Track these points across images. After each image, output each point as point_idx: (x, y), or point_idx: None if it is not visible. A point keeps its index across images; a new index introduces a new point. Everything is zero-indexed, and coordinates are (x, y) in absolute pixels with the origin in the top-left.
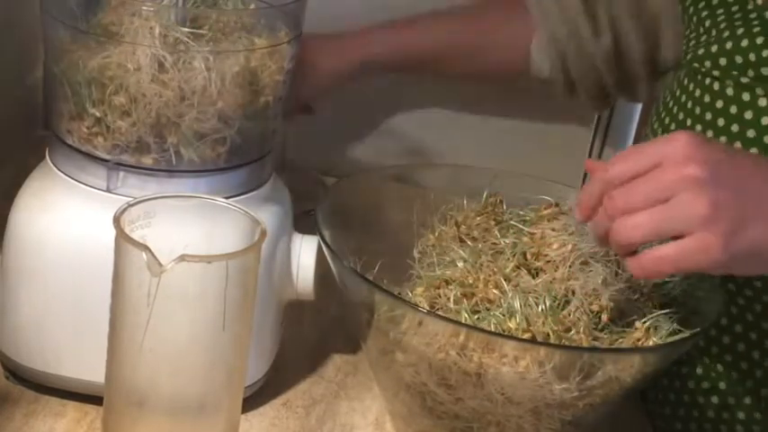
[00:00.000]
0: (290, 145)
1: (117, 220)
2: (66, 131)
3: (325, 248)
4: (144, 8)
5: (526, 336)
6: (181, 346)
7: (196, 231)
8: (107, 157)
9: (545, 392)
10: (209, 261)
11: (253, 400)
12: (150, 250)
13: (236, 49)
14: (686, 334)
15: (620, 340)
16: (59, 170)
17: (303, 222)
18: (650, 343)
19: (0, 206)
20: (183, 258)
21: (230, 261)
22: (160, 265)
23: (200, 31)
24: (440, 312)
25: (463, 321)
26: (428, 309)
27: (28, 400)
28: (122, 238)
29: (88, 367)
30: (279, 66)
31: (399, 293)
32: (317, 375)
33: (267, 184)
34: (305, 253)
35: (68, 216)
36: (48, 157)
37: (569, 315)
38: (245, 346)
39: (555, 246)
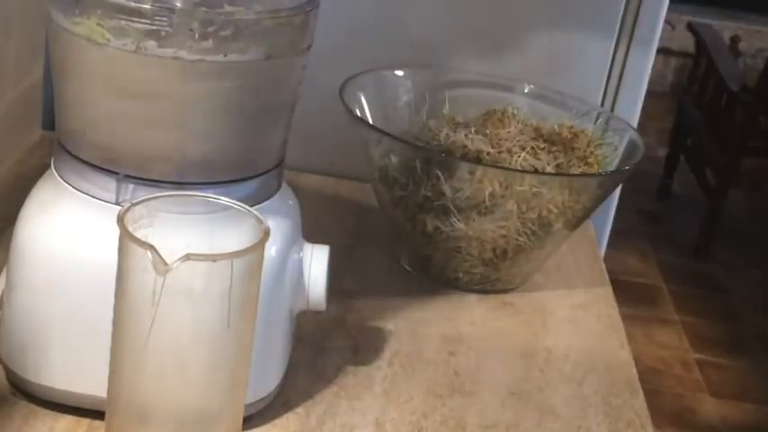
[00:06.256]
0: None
1: (121, 220)
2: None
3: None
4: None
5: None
6: (185, 345)
7: (198, 230)
8: (116, 169)
9: None
10: (214, 260)
11: None
12: (155, 249)
13: (244, 59)
14: None
15: None
16: (66, 182)
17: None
18: None
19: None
20: (188, 257)
21: (235, 259)
22: (165, 264)
23: (208, 42)
24: None
25: None
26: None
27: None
28: (127, 237)
29: (97, 383)
30: (288, 77)
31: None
32: (317, 375)
33: (276, 196)
34: (315, 263)
35: (77, 229)
36: (53, 168)
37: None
38: (248, 345)
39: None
